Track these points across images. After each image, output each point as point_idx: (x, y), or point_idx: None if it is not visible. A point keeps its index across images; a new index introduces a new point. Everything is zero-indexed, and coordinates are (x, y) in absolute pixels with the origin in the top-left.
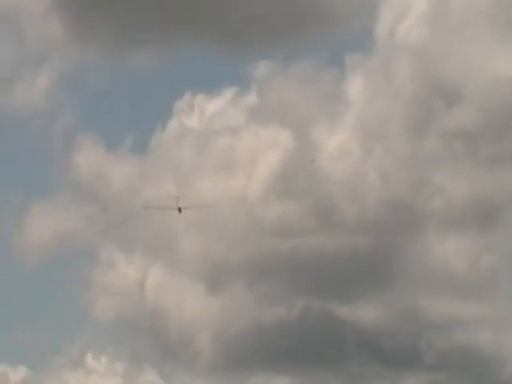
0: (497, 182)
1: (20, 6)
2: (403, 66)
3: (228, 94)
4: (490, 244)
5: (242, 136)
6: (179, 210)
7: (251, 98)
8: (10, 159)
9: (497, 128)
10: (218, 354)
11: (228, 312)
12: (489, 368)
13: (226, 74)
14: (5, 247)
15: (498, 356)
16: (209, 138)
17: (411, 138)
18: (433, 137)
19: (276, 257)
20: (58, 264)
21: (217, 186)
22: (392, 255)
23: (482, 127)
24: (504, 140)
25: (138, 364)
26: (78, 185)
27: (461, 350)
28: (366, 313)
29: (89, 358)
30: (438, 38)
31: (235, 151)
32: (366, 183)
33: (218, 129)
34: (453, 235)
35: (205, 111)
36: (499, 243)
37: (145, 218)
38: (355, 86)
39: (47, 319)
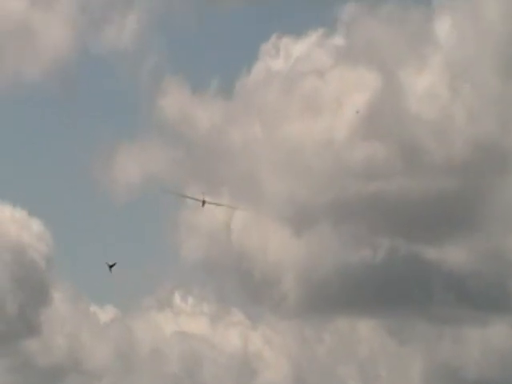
0: None
1: None
2: (492, 5)
3: (314, 35)
4: None
5: (329, 78)
6: (203, 203)
7: (338, 40)
8: (98, 100)
9: None
10: (303, 296)
11: (313, 254)
12: None
13: (312, 15)
14: (94, 187)
15: None
16: (294, 80)
17: (500, 79)
18: None
19: (362, 198)
20: (146, 204)
21: (302, 128)
22: (480, 196)
23: None
24: None
25: (224, 305)
26: (164, 126)
27: None
28: (454, 254)
29: (176, 298)
30: None
31: (321, 93)
32: (454, 124)
33: (303, 71)
34: None
35: (291, 53)
36: None
37: (231, 160)
38: (443, 27)
39: (136, 259)
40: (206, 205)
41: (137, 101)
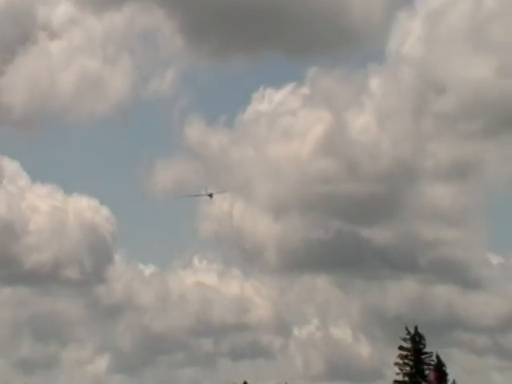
0: (471, 150)
1: (156, 27)
2: (406, 70)
3: (289, 87)
4: (465, 191)
5: (298, 116)
6: (210, 195)
7: (305, 90)
8: (145, 129)
9: (470, 107)
10: (280, 260)
11: (287, 233)
12: (461, 269)
13: (287, 74)
14: (139, 191)
15: (467, 262)
16: (275, 118)
17: (411, 118)
18: (426, 116)
19: (319, 196)
20: (175, 200)
21: (281, 149)
22: (397, 196)
23: (459, 109)
24: (478, 117)
25: (227, 265)
26: (188, 147)
27: (444, 259)
28: (380, 233)
29: (195, 260)
30: (430, 52)
31: (293, 126)
32: (381, 148)
33: (281, 111)
34: (439, 184)
35: (273, 99)
36: (471, 190)
37: (233, 170)
38: (375, 83)
39: (169, 235)
40: (214, 195)
41: (170, 130)
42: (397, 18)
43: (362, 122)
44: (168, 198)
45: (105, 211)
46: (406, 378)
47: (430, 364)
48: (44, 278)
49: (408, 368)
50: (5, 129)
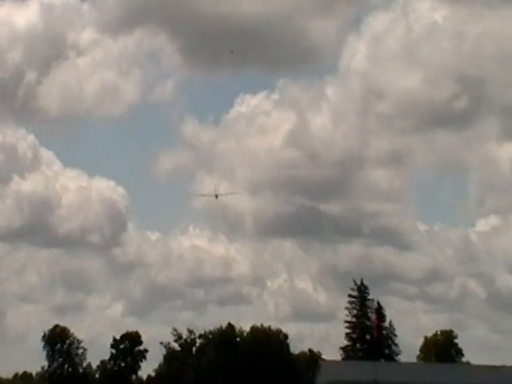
0: (404, 143)
1: (159, 47)
2: (354, 81)
3: (263, 94)
4: (399, 175)
5: (271, 116)
6: (216, 196)
7: (276, 96)
8: (150, 126)
9: (404, 109)
10: (257, 228)
11: (261, 207)
12: (396, 234)
13: (262, 83)
14: (147, 174)
15: (401, 228)
16: (252, 118)
17: (358, 118)
18: (369, 117)
19: (287, 178)
20: (176, 183)
21: (257, 141)
22: (348, 178)
23: (395, 111)
24: (410, 117)
25: (215, 232)
26: (184, 140)
27: (383, 227)
28: (334, 207)
29: (190, 228)
30: (373, 67)
31: (267, 124)
32: (335, 141)
33: (257, 113)
34: (379, 169)
35: (250, 103)
36: (404, 174)
37: (219, 158)
38: (330, 91)
39: (169, 210)
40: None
41: (170, 127)
42: (347, 40)
43: (320, 121)
44: (168, 181)
45: (120, 190)
46: (354, 319)
47: (372, 308)
48: (73, 242)
49: (355, 311)
50: (42, 126)
